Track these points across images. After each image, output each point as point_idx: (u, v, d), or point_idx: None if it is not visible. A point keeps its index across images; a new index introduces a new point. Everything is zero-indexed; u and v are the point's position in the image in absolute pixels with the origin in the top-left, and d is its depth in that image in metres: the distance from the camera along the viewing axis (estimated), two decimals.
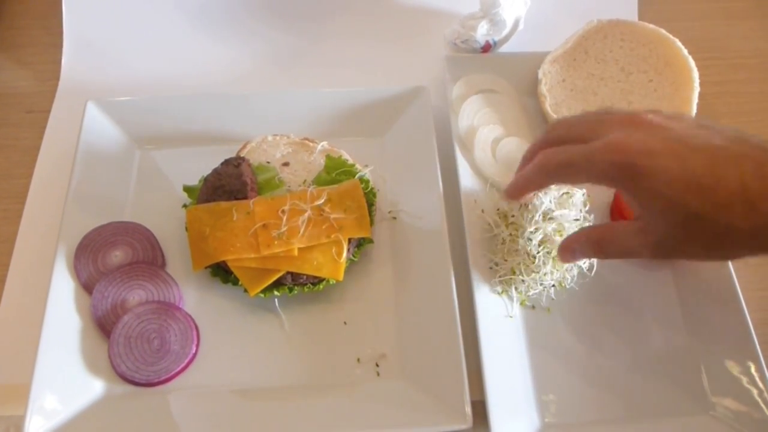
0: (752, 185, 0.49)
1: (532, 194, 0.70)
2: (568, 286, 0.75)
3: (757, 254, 0.53)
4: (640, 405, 0.70)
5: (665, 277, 0.77)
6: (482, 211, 0.78)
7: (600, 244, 0.61)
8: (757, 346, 0.69)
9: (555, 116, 0.84)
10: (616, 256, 0.62)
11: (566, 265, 0.73)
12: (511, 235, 0.74)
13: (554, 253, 0.71)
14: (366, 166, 0.80)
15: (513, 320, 0.73)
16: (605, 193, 0.80)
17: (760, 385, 0.67)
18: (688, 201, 0.51)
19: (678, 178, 0.51)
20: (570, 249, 0.64)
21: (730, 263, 0.73)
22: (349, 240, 0.73)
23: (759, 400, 0.67)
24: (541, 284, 0.73)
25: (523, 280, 0.73)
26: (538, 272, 0.72)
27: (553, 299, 0.75)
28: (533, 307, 0.75)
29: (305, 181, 0.79)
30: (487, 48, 0.92)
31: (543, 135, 0.63)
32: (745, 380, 0.68)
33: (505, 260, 0.74)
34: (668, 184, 0.52)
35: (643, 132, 0.55)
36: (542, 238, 0.72)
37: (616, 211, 0.79)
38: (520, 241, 0.72)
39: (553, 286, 0.74)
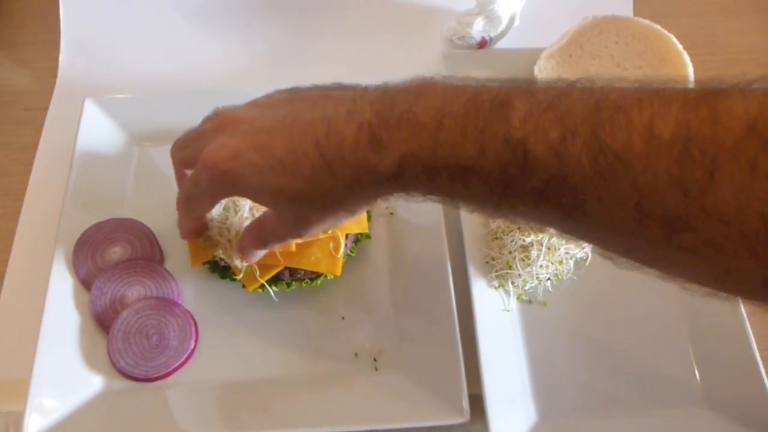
0: (325, 146, 0.48)
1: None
2: (565, 278, 0.75)
3: (372, 202, 0.52)
4: (635, 398, 0.70)
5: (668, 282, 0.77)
6: None
7: (260, 238, 0.62)
8: (752, 338, 0.69)
9: None
10: (278, 244, 0.64)
11: (559, 257, 0.73)
12: (508, 227, 0.75)
13: (547, 242, 0.72)
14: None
15: (510, 314, 0.74)
16: None
17: (754, 376, 0.67)
18: (282, 185, 0.51)
19: (265, 169, 0.51)
20: (242, 249, 0.65)
21: None
22: (347, 235, 0.73)
23: (753, 391, 0.67)
24: (537, 278, 0.74)
25: (519, 275, 0.73)
26: (533, 266, 0.72)
27: (550, 291, 0.75)
28: (530, 301, 0.75)
29: None
30: (483, 44, 0.92)
31: (174, 165, 0.66)
32: (738, 371, 0.69)
33: (501, 254, 0.74)
34: (260, 177, 0.51)
35: (228, 134, 0.54)
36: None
37: None
38: (516, 234, 0.73)
39: (549, 279, 0.75)
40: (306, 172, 0.49)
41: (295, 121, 0.51)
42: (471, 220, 0.77)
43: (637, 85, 0.41)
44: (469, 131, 0.43)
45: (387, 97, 0.47)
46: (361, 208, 0.54)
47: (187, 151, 0.61)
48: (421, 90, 0.47)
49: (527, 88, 0.43)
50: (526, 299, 0.75)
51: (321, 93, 0.53)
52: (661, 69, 0.87)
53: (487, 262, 0.75)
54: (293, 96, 0.55)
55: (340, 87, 0.54)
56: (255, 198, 0.55)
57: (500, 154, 0.42)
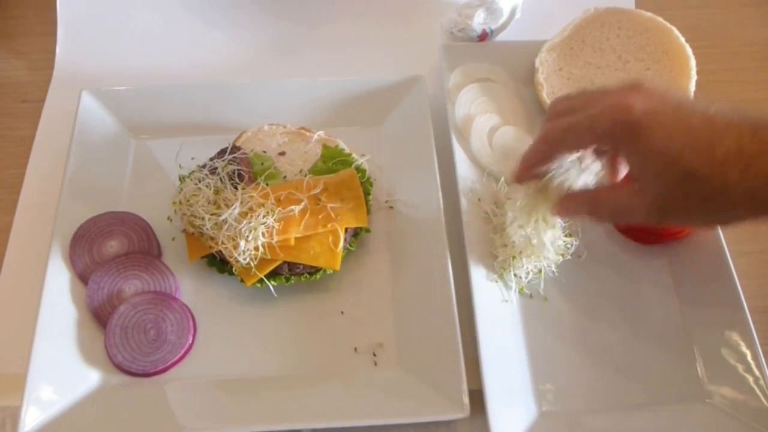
0: (748, 147, 0.50)
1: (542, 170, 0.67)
2: (568, 256, 0.75)
3: (751, 217, 0.53)
4: (636, 393, 0.70)
5: (661, 266, 0.77)
6: (479, 200, 0.78)
7: (595, 203, 0.62)
8: (754, 334, 0.69)
9: None
10: (609, 216, 0.64)
11: (559, 247, 0.73)
12: (510, 222, 0.74)
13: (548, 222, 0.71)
14: (363, 155, 0.80)
15: (510, 309, 0.73)
16: None
17: (756, 372, 0.67)
18: (686, 158, 0.52)
19: (677, 135, 0.52)
20: (565, 206, 0.65)
21: (727, 254, 0.73)
22: (346, 229, 0.72)
23: (755, 387, 0.67)
24: (539, 270, 0.74)
25: (522, 265, 0.73)
26: (538, 252, 0.72)
27: (554, 275, 0.75)
28: (531, 296, 0.75)
29: (301, 170, 0.78)
30: (484, 37, 0.91)
31: (546, 116, 0.64)
32: (741, 367, 0.68)
33: (504, 245, 0.74)
34: (667, 141, 0.52)
35: (646, 96, 0.55)
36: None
37: None
38: (517, 222, 0.72)
39: (552, 270, 0.74)
40: (718, 157, 0.50)
41: (715, 114, 0.52)
42: (471, 214, 0.76)
43: None
44: None
45: None
46: (739, 219, 0.54)
47: (578, 101, 0.61)
48: None
49: None
50: (527, 293, 0.75)
51: (734, 108, 0.54)
52: (663, 62, 0.86)
53: (490, 252, 0.75)
54: (704, 101, 0.56)
55: (745, 110, 0.55)
56: (644, 160, 0.55)
57: None
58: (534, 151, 0.64)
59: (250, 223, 0.68)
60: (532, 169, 0.65)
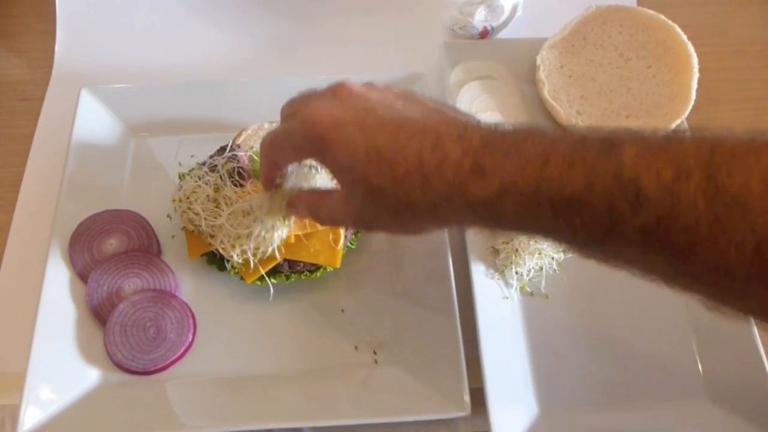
0: (428, 159, 0.48)
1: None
2: (569, 254, 0.75)
3: (447, 227, 0.54)
4: (638, 391, 0.69)
5: None
6: None
7: (314, 210, 0.61)
8: (755, 330, 0.69)
9: (553, 103, 0.84)
10: (328, 222, 0.63)
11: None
12: None
13: None
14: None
15: (511, 307, 0.73)
16: None
17: (758, 370, 0.67)
18: (370, 174, 0.50)
19: (360, 151, 0.50)
20: (294, 206, 0.64)
21: None
22: (346, 227, 0.72)
23: (757, 385, 0.66)
24: (540, 267, 0.74)
25: (523, 262, 0.73)
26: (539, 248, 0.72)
27: (555, 273, 0.75)
28: (532, 293, 0.74)
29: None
30: (485, 34, 0.91)
31: (281, 120, 0.63)
32: (743, 366, 0.68)
33: (506, 242, 0.73)
34: (352, 157, 0.50)
35: (340, 102, 0.53)
36: None
37: None
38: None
39: (553, 267, 0.74)
40: (399, 174, 0.49)
41: (406, 122, 0.50)
42: None
43: (752, 135, 0.40)
44: (577, 167, 0.43)
45: (496, 132, 0.48)
46: (432, 228, 0.55)
47: (295, 107, 0.59)
48: (529, 133, 0.47)
49: (635, 133, 0.43)
50: (528, 291, 0.74)
51: (436, 107, 0.53)
52: (665, 60, 0.86)
53: (492, 248, 0.75)
54: (410, 97, 0.55)
55: (453, 109, 0.54)
56: (335, 172, 0.54)
57: (609, 189, 0.41)
58: (261, 163, 0.64)
59: (265, 234, 0.67)
60: (268, 179, 0.64)
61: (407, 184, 0.49)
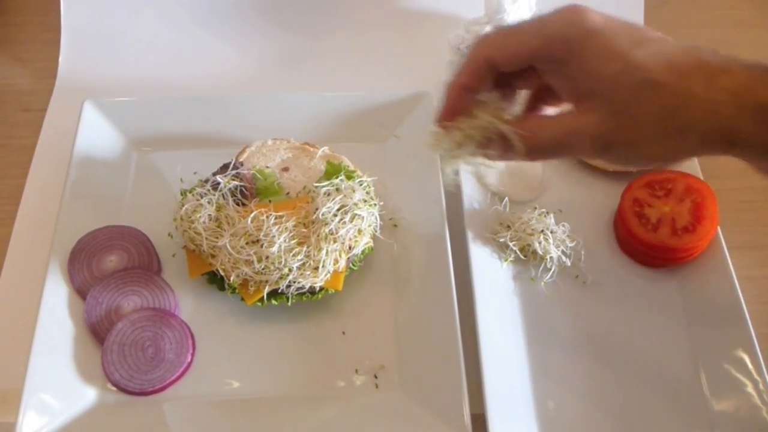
0: (711, 61, 0.47)
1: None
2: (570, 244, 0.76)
3: (709, 149, 0.48)
4: (640, 419, 0.69)
5: (668, 291, 0.76)
6: (484, 219, 0.77)
7: (535, 128, 0.52)
8: (761, 362, 0.68)
9: None
10: (549, 143, 0.52)
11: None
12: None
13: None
14: (363, 174, 0.78)
15: (515, 334, 0.72)
16: (607, 207, 0.79)
17: (764, 401, 0.66)
18: (647, 64, 0.47)
19: (636, 43, 0.48)
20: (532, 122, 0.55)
21: (735, 279, 0.72)
22: (350, 248, 0.71)
23: (763, 415, 0.66)
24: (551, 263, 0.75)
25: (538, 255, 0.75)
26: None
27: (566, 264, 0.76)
28: (536, 320, 0.74)
29: (305, 187, 0.77)
30: None
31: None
32: (748, 398, 0.67)
33: (508, 227, 0.76)
34: (628, 45, 0.47)
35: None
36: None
37: (620, 223, 0.78)
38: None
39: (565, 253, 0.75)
40: (681, 67, 0.47)
41: (671, 40, 0.49)
42: (476, 234, 0.75)
43: None
44: None
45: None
46: (686, 156, 0.51)
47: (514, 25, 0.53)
48: None
49: None
50: (533, 315, 0.74)
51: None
52: None
53: (501, 240, 0.76)
54: None
55: None
56: (597, 66, 0.48)
57: None
58: (466, 66, 0.54)
59: (284, 262, 0.67)
60: (462, 91, 0.54)
61: (688, 76, 0.46)
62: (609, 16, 0.49)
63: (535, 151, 0.53)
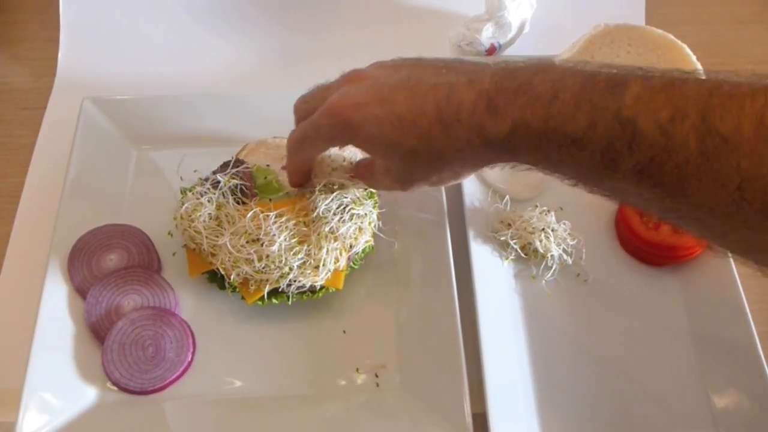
0: (445, 109, 0.52)
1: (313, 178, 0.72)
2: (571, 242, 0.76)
3: (477, 168, 0.59)
4: (642, 417, 0.69)
5: (670, 290, 0.76)
6: (485, 218, 0.77)
7: (369, 179, 0.67)
8: (763, 360, 0.67)
9: None
10: (382, 189, 0.68)
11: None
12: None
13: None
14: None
15: (516, 333, 0.72)
16: (608, 205, 0.79)
17: (767, 400, 0.66)
18: (399, 140, 0.55)
19: (385, 122, 0.54)
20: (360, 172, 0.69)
21: (737, 277, 0.72)
22: (351, 247, 0.71)
23: (766, 416, 0.65)
24: (552, 261, 0.75)
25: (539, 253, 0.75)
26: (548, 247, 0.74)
27: (568, 262, 0.76)
28: (538, 318, 0.73)
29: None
30: (492, 51, 0.90)
31: (296, 118, 0.67)
32: (750, 396, 0.67)
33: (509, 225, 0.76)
34: (378, 130, 0.55)
35: (355, 87, 0.58)
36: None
37: (621, 221, 0.77)
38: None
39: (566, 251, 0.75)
40: (423, 130, 0.53)
41: (418, 83, 0.54)
42: (477, 232, 0.75)
43: (752, 79, 0.42)
44: (582, 105, 0.45)
45: (507, 70, 0.51)
46: (466, 172, 0.60)
47: (312, 103, 0.64)
48: (540, 67, 0.50)
49: (644, 74, 0.46)
50: (535, 313, 0.73)
51: (444, 63, 0.56)
52: None
53: (501, 238, 0.76)
54: (417, 63, 0.59)
55: (461, 61, 0.57)
56: (369, 149, 0.59)
57: (609, 129, 0.44)
58: (288, 163, 0.69)
59: (284, 261, 0.67)
60: (296, 177, 0.70)
61: (432, 137, 0.53)
62: (363, 92, 0.56)
63: (376, 189, 0.71)
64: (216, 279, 0.72)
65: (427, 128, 0.53)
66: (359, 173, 0.69)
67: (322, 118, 0.58)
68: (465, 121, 0.51)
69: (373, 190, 0.73)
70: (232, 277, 0.68)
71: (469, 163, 0.56)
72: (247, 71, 0.94)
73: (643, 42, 0.87)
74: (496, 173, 0.80)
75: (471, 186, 0.79)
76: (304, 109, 0.65)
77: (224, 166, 0.75)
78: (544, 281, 0.76)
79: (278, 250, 0.67)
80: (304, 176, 0.71)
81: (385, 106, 0.54)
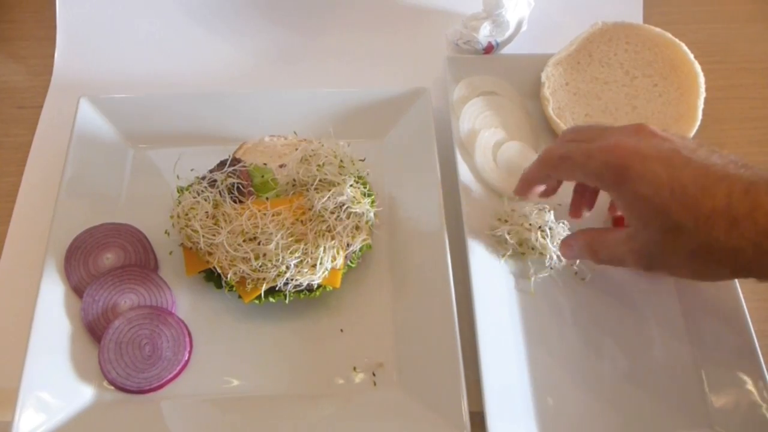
0: (738, 204, 0.49)
1: (538, 190, 0.71)
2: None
3: (741, 276, 0.53)
4: (640, 418, 0.68)
5: (669, 288, 0.75)
6: (483, 217, 0.77)
7: (593, 248, 0.64)
8: (761, 360, 0.67)
9: (558, 120, 0.83)
10: (607, 261, 0.64)
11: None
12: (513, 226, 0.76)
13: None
14: (362, 159, 0.78)
15: (514, 332, 0.72)
16: (606, 204, 0.79)
17: (764, 399, 0.66)
18: (671, 209, 0.52)
19: (664, 185, 0.52)
20: (569, 245, 0.67)
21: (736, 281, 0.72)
22: (348, 245, 0.71)
23: (763, 414, 0.65)
24: (549, 260, 0.75)
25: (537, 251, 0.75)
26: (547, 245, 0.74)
27: (558, 263, 0.75)
28: (535, 316, 0.73)
29: (294, 179, 0.76)
30: (489, 49, 0.90)
31: (560, 140, 0.66)
32: (748, 395, 0.67)
33: (506, 221, 0.76)
34: (654, 190, 0.52)
35: (644, 138, 0.55)
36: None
37: (619, 218, 0.77)
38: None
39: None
40: (704, 213, 0.50)
41: (713, 166, 0.52)
42: (474, 230, 0.75)
43: None
44: None
45: None
46: (727, 276, 0.54)
47: (586, 133, 0.62)
48: None
49: None
50: (532, 311, 0.73)
51: (734, 159, 0.54)
52: (672, 78, 0.85)
53: (497, 236, 0.76)
54: (712, 147, 0.55)
55: (749, 163, 0.54)
56: (629, 205, 0.56)
57: None
58: (531, 170, 0.67)
59: (281, 260, 0.67)
60: (528, 186, 0.69)
61: (712, 224, 0.50)
62: (651, 146, 0.54)
63: (599, 262, 0.65)
64: (213, 278, 0.72)
65: (709, 212, 0.50)
66: (586, 237, 0.66)
67: (599, 152, 0.56)
68: (760, 222, 0.48)
69: (371, 192, 0.73)
70: (229, 276, 0.67)
71: (740, 267, 0.51)
72: (245, 70, 0.94)
73: (641, 40, 0.88)
74: (493, 171, 0.80)
75: (468, 183, 0.78)
76: (575, 136, 0.63)
77: (221, 165, 0.75)
78: (540, 277, 0.75)
79: (275, 249, 0.66)
80: (531, 190, 0.70)
81: (672, 170, 0.52)
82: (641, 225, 0.55)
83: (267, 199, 0.73)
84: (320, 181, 0.71)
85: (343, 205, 0.69)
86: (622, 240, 0.59)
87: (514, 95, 0.87)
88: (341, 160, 0.74)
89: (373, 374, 0.70)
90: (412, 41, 0.96)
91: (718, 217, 0.50)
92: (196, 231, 0.68)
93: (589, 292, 0.75)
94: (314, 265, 0.68)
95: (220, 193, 0.71)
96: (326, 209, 0.69)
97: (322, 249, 0.67)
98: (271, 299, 0.69)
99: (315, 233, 0.68)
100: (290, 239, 0.68)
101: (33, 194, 0.82)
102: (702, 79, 0.84)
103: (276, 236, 0.67)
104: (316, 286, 0.70)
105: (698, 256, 0.52)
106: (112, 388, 0.68)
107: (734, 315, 0.70)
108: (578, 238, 0.66)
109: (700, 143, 0.56)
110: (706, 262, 0.53)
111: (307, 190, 0.71)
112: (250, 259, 0.66)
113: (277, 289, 0.69)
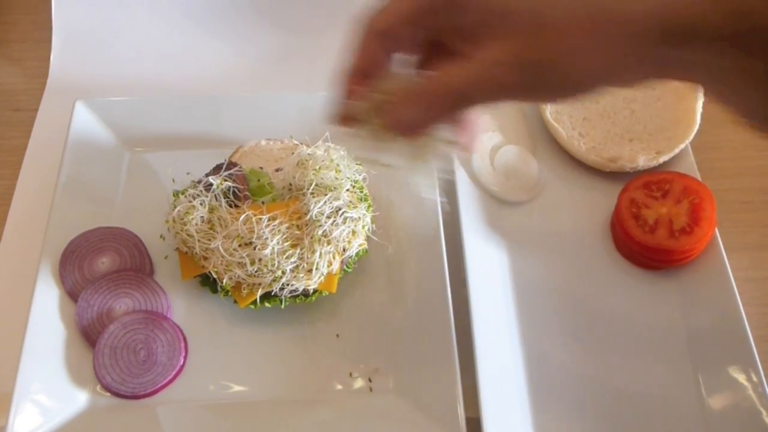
0: None
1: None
2: None
3: (654, 55, 0.40)
4: (637, 422, 0.68)
5: (666, 293, 0.75)
6: (480, 221, 0.77)
7: (462, 88, 0.44)
8: (759, 366, 0.67)
9: (555, 124, 0.82)
10: (479, 99, 0.45)
11: None
12: None
13: None
14: (358, 163, 0.76)
15: (511, 337, 0.72)
16: (603, 208, 0.79)
17: (760, 401, 0.65)
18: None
19: None
20: (425, 104, 0.46)
21: (733, 281, 0.71)
22: (344, 250, 0.71)
23: (759, 417, 0.65)
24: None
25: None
26: None
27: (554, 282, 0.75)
28: (532, 322, 0.73)
29: (290, 184, 0.76)
30: None
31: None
32: (745, 399, 0.67)
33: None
34: None
35: None
36: None
37: (617, 224, 0.77)
38: None
39: None
40: None
41: None
42: (471, 235, 0.75)
43: None
44: None
45: None
46: (641, 80, 0.42)
47: None
48: None
49: None
50: (528, 317, 0.73)
51: None
52: (670, 83, 0.84)
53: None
54: None
55: None
56: (482, 20, 0.42)
57: None
58: (358, 52, 0.51)
59: (277, 265, 0.67)
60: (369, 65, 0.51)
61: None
62: None
63: (452, 98, 0.45)
64: (208, 282, 0.71)
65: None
66: (439, 76, 0.45)
67: None
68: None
69: (367, 194, 0.73)
70: (224, 281, 0.67)
71: (648, 31, 0.38)
72: (241, 73, 0.94)
73: None
74: (491, 175, 0.80)
75: (465, 187, 0.78)
76: None
77: (217, 169, 0.74)
78: None
79: (271, 254, 0.66)
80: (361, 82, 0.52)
81: None
82: (503, 36, 0.42)
83: (263, 203, 0.72)
84: (316, 185, 0.70)
85: (340, 209, 0.69)
86: (483, 55, 0.42)
87: None
88: (338, 165, 0.73)
89: (370, 380, 0.69)
90: None
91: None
92: (191, 235, 0.68)
93: (586, 298, 0.75)
94: (310, 270, 0.67)
95: (216, 197, 0.71)
96: (322, 214, 0.69)
97: (318, 254, 0.67)
98: (266, 304, 0.69)
99: (311, 238, 0.68)
100: (286, 244, 0.67)
101: (28, 198, 0.81)
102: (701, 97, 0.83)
103: (272, 241, 0.66)
104: (312, 291, 0.70)
105: (599, 12, 0.39)
106: (107, 393, 0.67)
107: (733, 320, 0.70)
108: (430, 89, 0.46)
109: None
110: (608, 21, 0.39)
111: (303, 195, 0.70)
112: (245, 264, 0.66)
113: (272, 294, 0.69)
